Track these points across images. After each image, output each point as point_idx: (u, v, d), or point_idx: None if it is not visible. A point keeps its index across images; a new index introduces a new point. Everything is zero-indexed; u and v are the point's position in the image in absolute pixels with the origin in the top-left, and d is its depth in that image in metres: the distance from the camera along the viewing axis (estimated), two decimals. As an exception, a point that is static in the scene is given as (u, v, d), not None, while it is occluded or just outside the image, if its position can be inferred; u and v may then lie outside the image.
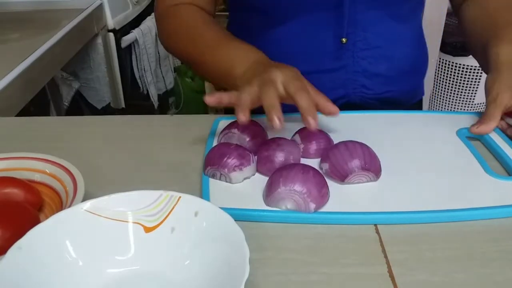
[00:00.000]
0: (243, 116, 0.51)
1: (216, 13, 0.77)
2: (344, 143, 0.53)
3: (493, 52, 0.61)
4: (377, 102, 0.75)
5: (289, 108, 0.55)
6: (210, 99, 0.55)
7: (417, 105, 0.85)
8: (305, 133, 0.57)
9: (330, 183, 0.49)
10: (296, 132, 0.59)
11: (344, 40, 0.70)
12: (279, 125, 0.48)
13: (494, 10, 0.69)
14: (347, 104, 0.74)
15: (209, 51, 0.65)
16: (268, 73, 0.53)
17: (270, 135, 0.58)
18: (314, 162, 0.54)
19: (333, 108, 0.54)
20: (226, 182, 0.52)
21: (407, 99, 0.80)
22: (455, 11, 0.79)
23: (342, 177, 0.51)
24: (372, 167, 0.51)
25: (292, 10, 0.69)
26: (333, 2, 0.68)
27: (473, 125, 0.60)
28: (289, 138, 0.58)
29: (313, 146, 0.57)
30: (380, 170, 0.52)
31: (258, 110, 0.61)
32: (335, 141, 0.59)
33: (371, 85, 0.74)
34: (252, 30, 0.74)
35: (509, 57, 0.60)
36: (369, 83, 0.73)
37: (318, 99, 0.54)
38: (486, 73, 0.65)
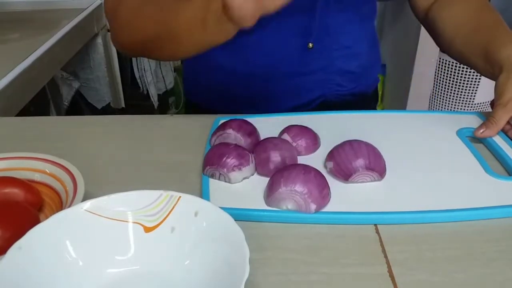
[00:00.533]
0: None
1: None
2: (350, 142, 0.53)
3: (504, 55, 0.60)
4: (350, 97, 0.79)
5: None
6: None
7: (375, 92, 0.90)
8: (293, 132, 0.58)
9: (331, 182, 0.49)
10: (283, 131, 0.59)
11: (310, 45, 0.72)
12: None
13: (476, 10, 0.70)
14: (323, 103, 0.77)
15: (171, 14, 0.56)
16: None
17: (262, 135, 0.59)
18: (307, 159, 0.54)
19: None
20: (225, 182, 0.52)
21: (370, 89, 0.86)
22: (421, 15, 0.79)
23: (346, 176, 0.51)
24: (376, 167, 0.51)
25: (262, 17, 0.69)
26: (304, 7, 0.69)
27: (478, 129, 0.60)
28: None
29: (303, 143, 0.57)
30: (385, 170, 0.53)
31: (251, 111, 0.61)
32: (335, 142, 0.59)
33: (344, 82, 0.77)
34: None
35: None
36: (343, 80, 0.77)
37: None
38: (484, 74, 0.65)
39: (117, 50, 1.48)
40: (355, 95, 0.80)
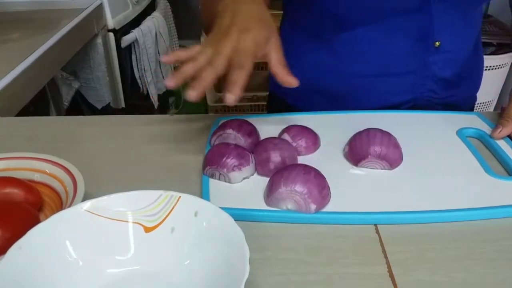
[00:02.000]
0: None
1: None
2: (368, 130, 0.56)
3: None
4: (441, 106, 0.75)
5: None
6: (167, 58, 0.51)
7: (471, 109, 0.84)
8: (293, 132, 0.58)
9: (331, 183, 0.49)
10: (283, 131, 0.59)
11: (437, 43, 0.68)
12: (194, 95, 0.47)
13: None
14: (413, 107, 0.73)
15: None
16: (223, 42, 0.49)
17: (262, 134, 0.59)
18: (307, 159, 0.54)
19: (292, 80, 0.51)
20: (225, 182, 0.52)
21: (465, 104, 0.80)
22: None
23: (356, 161, 0.54)
24: (387, 156, 0.53)
25: (369, 15, 0.67)
26: (414, 7, 0.66)
27: (494, 130, 0.60)
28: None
29: (303, 143, 0.57)
30: (398, 162, 0.54)
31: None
32: (335, 142, 0.59)
33: (438, 90, 0.73)
34: (313, 30, 0.72)
35: None
36: (436, 87, 0.73)
37: (276, 70, 0.51)
38: None
39: (117, 50, 1.49)
40: (448, 106, 0.75)
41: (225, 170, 0.51)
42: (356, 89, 0.73)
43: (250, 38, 0.49)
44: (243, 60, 0.48)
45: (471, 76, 0.78)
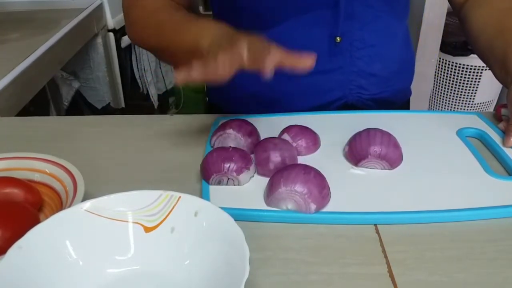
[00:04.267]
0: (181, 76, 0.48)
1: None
2: (368, 130, 0.56)
3: None
4: (372, 103, 0.75)
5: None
6: (179, 77, 0.50)
7: (406, 105, 0.85)
8: (293, 132, 0.58)
9: (331, 183, 0.49)
10: (283, 131, 0.59)
11: (338, 39, 0.68)
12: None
13: (503, 13, 0.67)
14: (344, 105, 0.74)
15: (172, 33, 0.60)
16: (234, 45, 0.50)
17: (262, 135, 0.59)
18: (307, 159, 0.54)
19: (310, 58, 0.51)
20: (234, 185, 0.52)
21: (398, 99, 0.80)
22: (456, 11, 0.77)
23: (356, 161, 0.54)
24: (387, 156, 0.53)
25: (285, 10, 0.68)
26: (324, 2, 0.67)
27: (506, 141, 0.59)
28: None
29: (303, 143, 0.57)
30: (398, 162, 0.54)
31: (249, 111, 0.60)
32: (335, 142, 0.59)
33: (367, 86, 0.73)
34: (240, 30, 0.73)
35: None
36: (365, 83, 0.73)
37: (290, 56, 0.51)
38: (499, 80, 0.64)
39: (117, 50, 1.49)
40: (378, 102, 0.75)
41: (235, 173, 0.51)
42: (286, 91, 0.73)
43: (255, 37, 0.50)
44: (265, 45, 0.49)
45: (402, 70, 0.78)
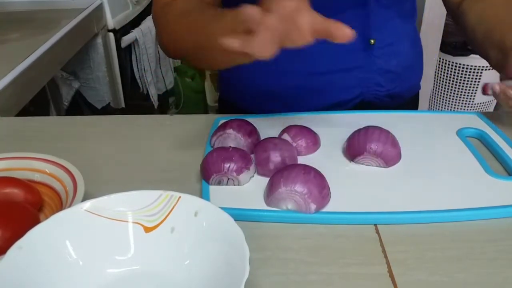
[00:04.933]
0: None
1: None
2: (367, 127, 0.56)
3: None
4: (387, 98, 0.77)
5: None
6: (229, 42, 0.43)
7: (415, 98, 0.88)
8: (293, 132, 0.58)
9: (331, 183, 0.49)
10: (283, 131, 0.59)
11: (372, 41, 0.70)
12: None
13: (500, 4, 0.68)
14: (361, 102, 0.75)
15: (209, 23, 0.55)
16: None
17: (262, 135, 0.59)
18: (307, 159, 0.54)
19: (347, 30, 0.45)
20: (234, 185, 0.52)
21: (409, 93, 0.83)
22: (451, 10, 0.79)
23: (352, 156, 0.55)
24: (382, 154, 0.53)
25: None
26: (354, 4, 0.68)
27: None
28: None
29: (303, 143, 0.57)
30: (394, 160, 0.55)
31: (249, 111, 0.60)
32: (335, 142, 0.59)
33: (383, 82, 0.75)
34: None
35: None
36: (382, 80, 0.75)
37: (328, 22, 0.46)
38: (495, 66, 0.65)
39: (117, 50, 1.49)
40: (392, 97, 0.77)
41: (235, 173, 0.51)
42: (305, 88, 0.74)
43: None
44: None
45: (414, 65, 0.81)
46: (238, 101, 0.82)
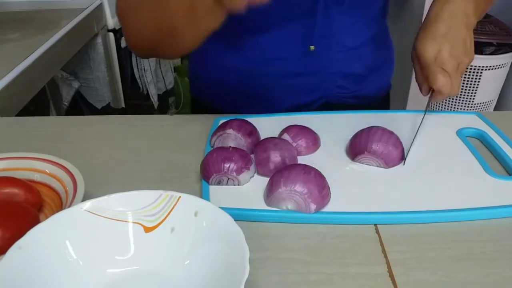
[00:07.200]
0: None
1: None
2: (371, 127, 0.56)
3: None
4: (353, 99, 0.78)
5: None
6: None
7: (386, 98, 0.88)
8: (293, 132, 0.58)
9: (331, 183, 0.49)
10: (283, 131, 0.59)
11: (312, 48, 0.71)
12: None
13: None
14: (325, 104, 0.76)
15: (164, 7, 0.55)
16: None
17: (262, 135, 0.59)
18: (307, 159, 0.54)
19: None
20: (234, 185, 0.52)
21: (378, 93, 0.83)
22: None
23: (352, 155, 0.55)
24: (382, 154, 0.53)
25: (262, 22, 0.70)
26: (305, 11, 0.69)
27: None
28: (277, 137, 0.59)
29: (303, 143, 0.57)
30: (395, 161, 0.55)
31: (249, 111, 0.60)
32: (335, 142, 0.59)
33: (347, 84, 0.76)
34: (226, 36, 0.73)
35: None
36: (345, 82, 0.75)
37: None
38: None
39: (117, 49, 1.49)
40: (359, 98, 0.78)
41: (235, 173, 0.51)
42: (268, 90, 0.75)
43: None
44: None
45: (382, 66, 0.81)
46: (206, 99, 0.83)
